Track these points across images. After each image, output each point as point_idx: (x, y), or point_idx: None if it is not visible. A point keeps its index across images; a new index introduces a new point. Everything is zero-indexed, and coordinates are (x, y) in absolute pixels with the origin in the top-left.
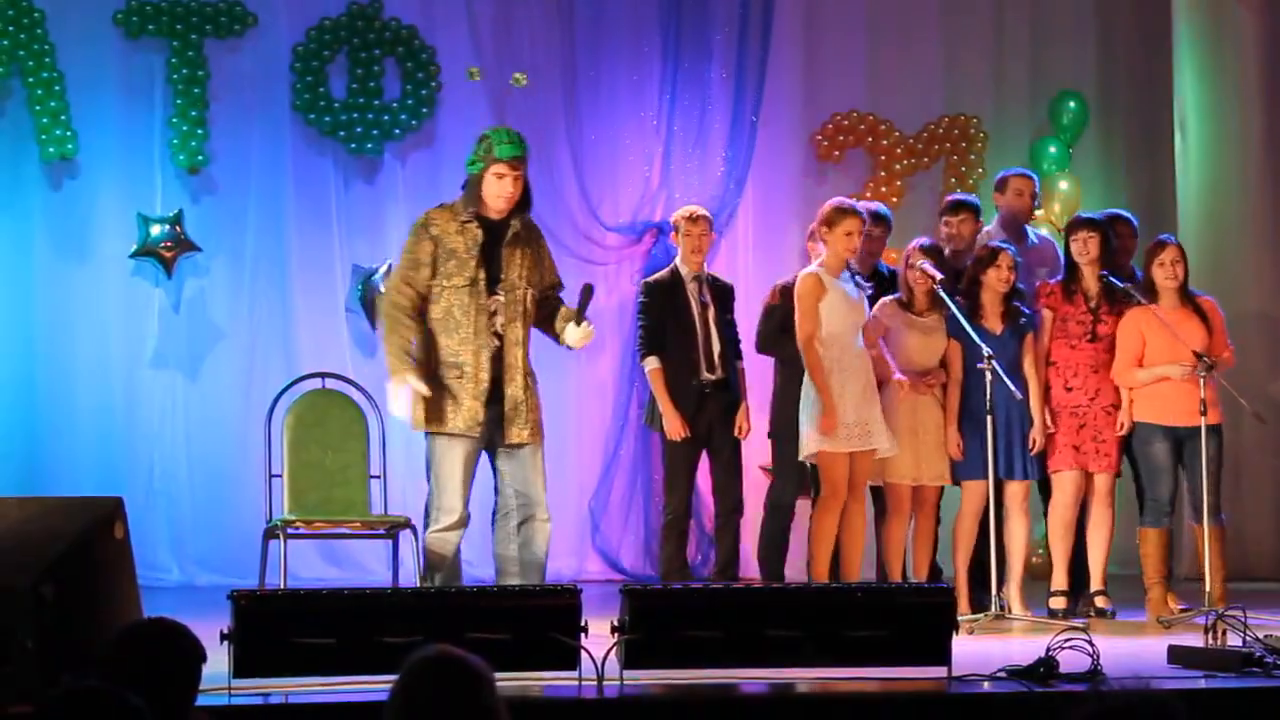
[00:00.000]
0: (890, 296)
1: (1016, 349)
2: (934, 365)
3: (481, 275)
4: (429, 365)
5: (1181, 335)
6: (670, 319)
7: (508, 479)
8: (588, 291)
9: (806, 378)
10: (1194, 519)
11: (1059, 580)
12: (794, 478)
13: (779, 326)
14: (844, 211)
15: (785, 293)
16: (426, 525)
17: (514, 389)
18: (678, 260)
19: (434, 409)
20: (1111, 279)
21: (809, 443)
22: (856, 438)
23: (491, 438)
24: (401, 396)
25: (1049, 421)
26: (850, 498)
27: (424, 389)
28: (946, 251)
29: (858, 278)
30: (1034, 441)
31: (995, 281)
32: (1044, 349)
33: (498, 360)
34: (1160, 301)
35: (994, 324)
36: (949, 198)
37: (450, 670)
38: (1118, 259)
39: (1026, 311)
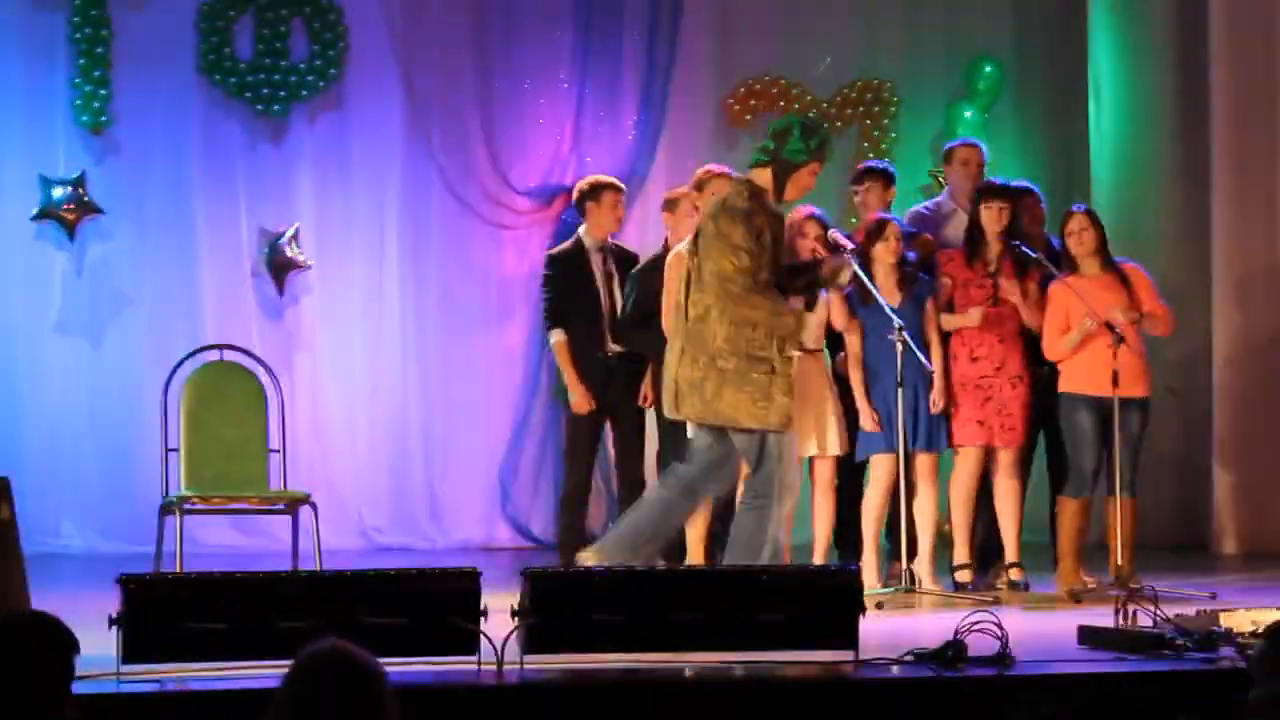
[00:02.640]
0: None
1: (917, 316)
2: (817, 342)
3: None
4: (736, 355)
5: (1100, 302)
6: (574, 291)
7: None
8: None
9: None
10: (1108, 490)
11: (961, 554)
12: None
13: (641, 314)
14: (714, 174)
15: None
16: (773, 511)
17: None
18: (582, 231)
19: (747, 405)
20: (1024, 248)
21: None
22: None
23: None
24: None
25: (952, 396)
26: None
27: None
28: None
29: None
30: (934, 403)
31: (884, 254)
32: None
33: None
34: (1080, 270)
35: (891, 296)
36: (860, 165)
37: (341, 666)
38: (1029, 229)
39: (922, 276)
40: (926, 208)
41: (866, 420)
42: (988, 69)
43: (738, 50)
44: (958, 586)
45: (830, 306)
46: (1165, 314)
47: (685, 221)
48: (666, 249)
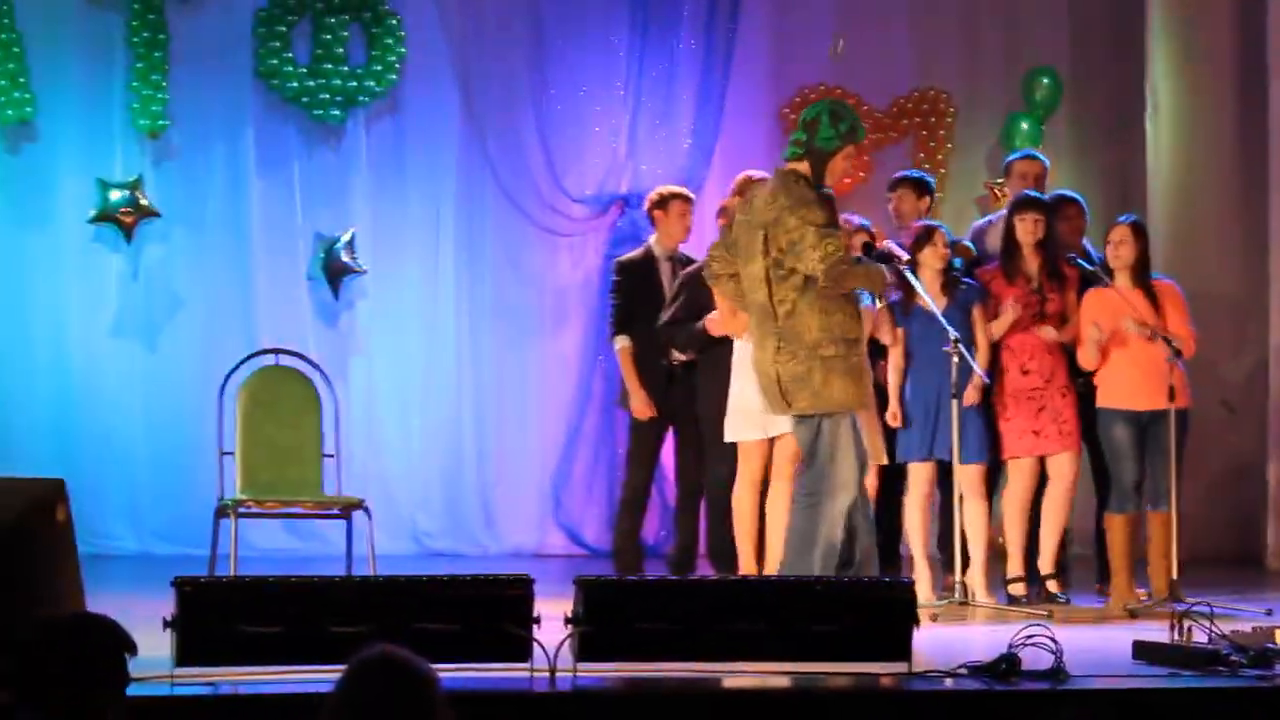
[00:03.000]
0: None
1: (964, 323)
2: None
3: None
4: (833, 341)
5: (1124, 315)
6: (641, 299)
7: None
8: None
9: (735, 357)
10: (1150, 505)
11: (1015, 567)
12: (728, 456)
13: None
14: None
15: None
16: (829, 507)
17: None
18: (652, 240)
19: (852, 388)
20: (1080, 262)
21: (727, 427)
22: (765, 422)
23: None
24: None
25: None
26: (779, 480)
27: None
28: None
29: None
30: (893, 416)
31: (931, 259)
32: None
33: None
34: (1116, 282)
35: (936, 301)
36: (895, 174)
37: (393, 671)
38: (1068, 240)
39: (967, 281)
40: (991, 222)
41: (893, 416)
42: (1045, 80)
43: (794, 59)
44: (1012, 600)
45: (877, 318)
46: (1189, 337)
47: None
48: None
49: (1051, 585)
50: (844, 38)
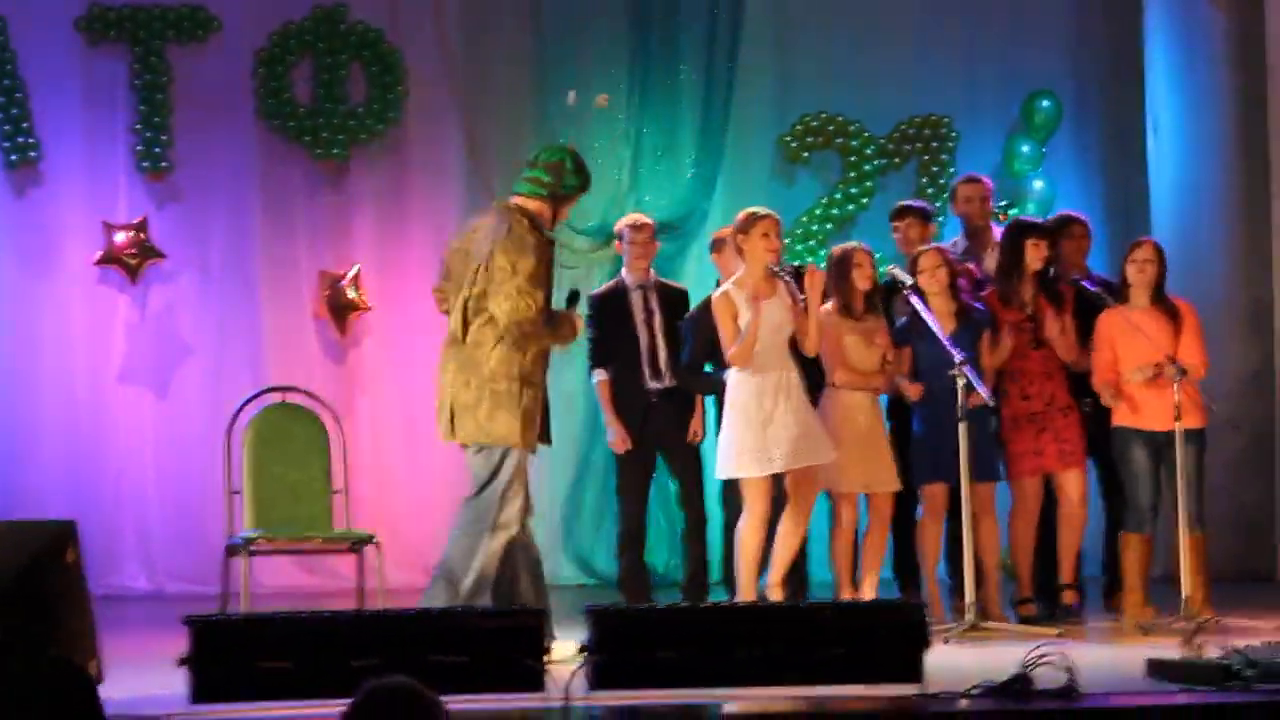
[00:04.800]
0: (827, 304)
1: (974, 345)
2: (875, 369)
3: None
4: (509, 378)
5: (1147, 335)
6: (615, 330)
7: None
8: (574, 296)
9: (731, 394)
10: (1172, 523)
11: (1024, 588)
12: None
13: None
14: (757, 216)
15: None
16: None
17: None
18: (624, 270)
19: (521, 425)
20: (1084, 284)
21: (723, 465)
22: (790, 456)
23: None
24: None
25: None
26: (796, 510)
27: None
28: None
29: (784, 275)
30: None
31: (931, 284)
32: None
33: None
34: (1131, 300)
35: (947, 324)
36: (899, 203)
37: (400, 699)
38: (1073, 260)
39: (978, 307)
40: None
41: (913, 389)
42: (1044, 103)
43: (795, 88)
44: (1023, 620)
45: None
46: (1201, 363)
47: (733, 261)
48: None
49: (1068, 596)
50: (573, 90)
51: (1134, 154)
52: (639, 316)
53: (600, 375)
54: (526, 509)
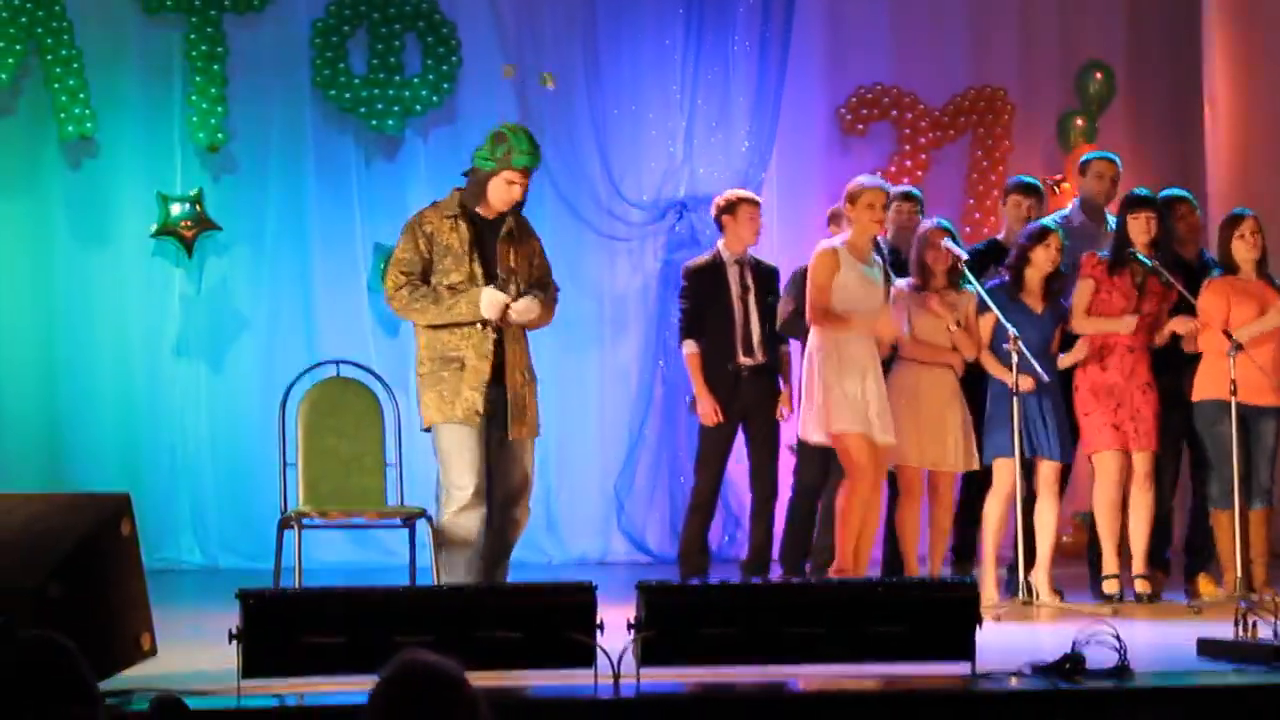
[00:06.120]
0: (904, 280)
1: (1053, 330)
2: (948, 346)
3: (478, 270)
4: (431, 359)
5: (1247, 305)
6: (710, 303)
7: (498, 471)
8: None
9: (809, 359)
10: (1246, 500)
11: (1110, 564)
12: (816, 459)
13: (796, 309)
14: (865, 186)
15: (802, 275)
16: (439, 512)
17: (515, 384)
18: (720, 244)
19: (436, 402)
20: (1141, 257)
21: (817, 424)
22: (870, 420)
23: (489, 430)
24: (495, 302)
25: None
26: (868, 484)
27: (506, 294)
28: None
29: (884, 261)
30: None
31: (1043, 260)
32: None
33: (498, 353)
34: (1240, 273)
35: (1035, 303)
36: (1011, 179)
37: (422, 677)
38: (1186, 238)
39: (1065, 303)
40: (1056, 221)
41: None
42: (1098, 75)
43: (850, 59)
44: (1107, 598)
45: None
46: None
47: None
48: None
49: (1140, 585)
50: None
51: (1190, 128)
52: (734, 291)
53: (691, 347)
54: (474, 488)
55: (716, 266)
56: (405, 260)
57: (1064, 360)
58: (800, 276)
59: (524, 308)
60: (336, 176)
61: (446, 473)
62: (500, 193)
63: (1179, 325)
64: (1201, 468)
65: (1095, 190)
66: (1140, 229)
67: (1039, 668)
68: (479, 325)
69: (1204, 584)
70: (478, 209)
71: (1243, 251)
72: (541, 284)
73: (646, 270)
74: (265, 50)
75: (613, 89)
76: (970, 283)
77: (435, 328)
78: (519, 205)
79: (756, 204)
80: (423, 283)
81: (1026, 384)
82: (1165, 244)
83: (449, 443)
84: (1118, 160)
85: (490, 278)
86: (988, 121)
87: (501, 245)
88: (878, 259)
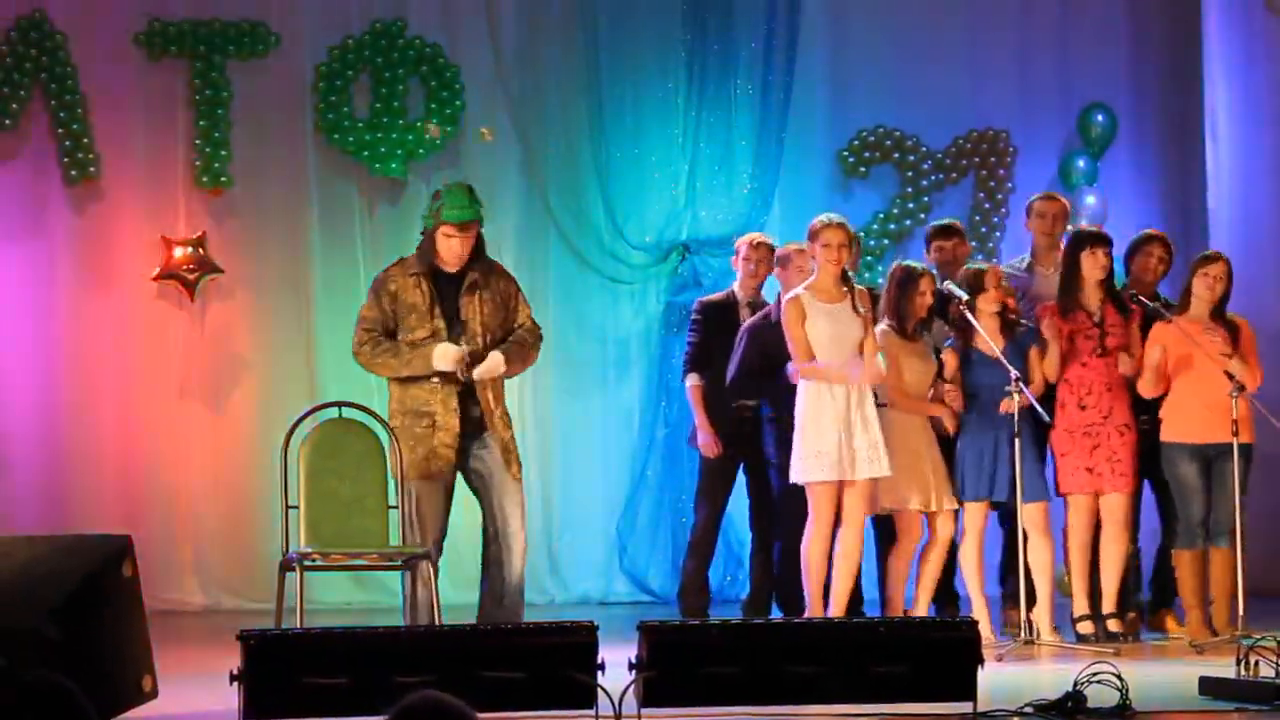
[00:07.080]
0: (882, 323)
1: (1020, 364)
2: (927, 390)
3: (440, 325)
4: (402, 413)
5: (1204, 345)
6: (718, 339)
7: (494, 511)
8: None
9: (800, 401)
10: (1213, 540)
11: (1081, 605)
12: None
13: (742, 370)
14: (822, 224)
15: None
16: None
17: (496, 430)
18: (735, 284)
19: (407, 456)
20: (1141, 299)
21: (795, 469)
22: (843, 465)
23: (468, 478)
24: (447, 356)
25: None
26: (846, 526)
27: (461, 348)
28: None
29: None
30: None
31: (985, 303)
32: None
33: (466, 405)
34: (1191, 310)
35: (996, 340)
36: (931, 223)
37: (433, 713)
38: (1153, 278)
39: (1023, 322)
40: (1013, 268)
41: (956, 399)
42: (1100, 116)
43: (851, 102)
44: (1080, 638)
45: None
46: (1258, 376)
47: (795, 277)
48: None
49: (1112, 624)
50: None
51: (1192, 167)
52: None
53: (694, 380)
54: (432, 540)
55: (730, 305)
56: (369, 318)
57: (1048, 367)
58: (744, 336)
59: (488, 368)
60: (339, 220)
61: (416, 528)
62: (442, 247)
63: (1123, 365)
64: (1169, 509)
65: (1040, 229)
66: (1094, 265)
67: (1041, 707)
68: (437, 380)
69: (1169, 622)
70: (436, 264)
71: (1200, 289)
72: (514, 331)
73: (649, 312)
74: (268, 94)
75: (615, 131)
76: (974, 325)
77: (403, 382)
78: (476, 257)
79: (762, 247)
80: (387, 338)
81: (951, 425)
82: (1113, 279)
83: (414, 498)
84: (1062, 198)
85: (453, 331)
86: (990, 163)
87: (465, 298)
88: (846, 290)
